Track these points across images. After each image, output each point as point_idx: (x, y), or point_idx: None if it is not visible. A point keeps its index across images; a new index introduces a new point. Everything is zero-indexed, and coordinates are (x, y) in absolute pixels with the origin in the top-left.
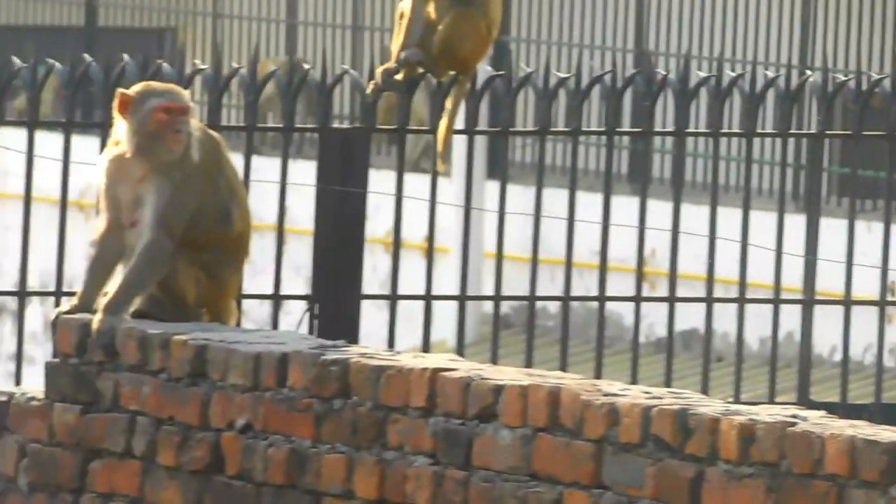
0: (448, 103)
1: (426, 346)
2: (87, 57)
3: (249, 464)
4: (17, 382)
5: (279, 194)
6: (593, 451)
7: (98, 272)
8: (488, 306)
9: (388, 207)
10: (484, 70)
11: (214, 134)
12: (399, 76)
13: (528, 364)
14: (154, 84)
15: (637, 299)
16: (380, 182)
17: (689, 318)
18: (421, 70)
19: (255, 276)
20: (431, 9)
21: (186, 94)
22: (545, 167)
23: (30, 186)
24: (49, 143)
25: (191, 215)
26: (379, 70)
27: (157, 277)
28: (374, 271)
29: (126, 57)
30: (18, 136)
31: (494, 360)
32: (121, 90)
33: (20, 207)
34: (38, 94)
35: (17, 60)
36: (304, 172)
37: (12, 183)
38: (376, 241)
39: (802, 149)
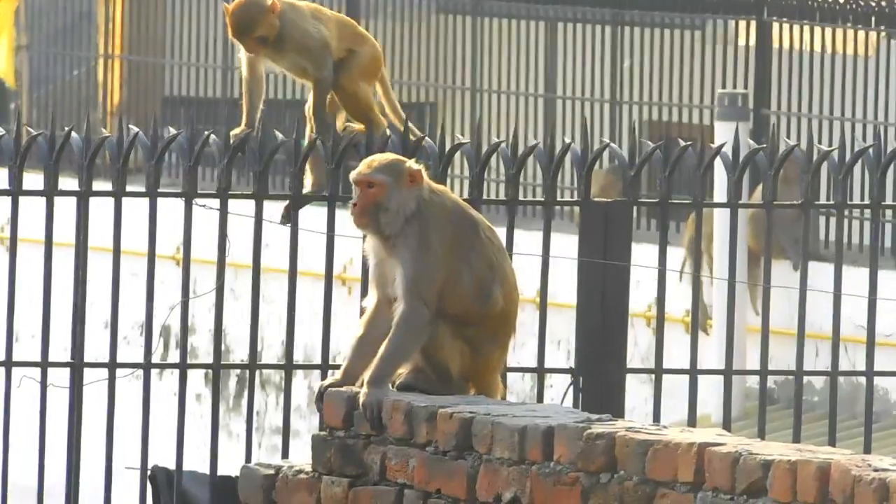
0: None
1: (691, 421)
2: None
3: None
4: (284, 456)
5: (541, 268)
6: None
7: (364, 347)
8: (752, 381)
9: (649, 282)
10: (747, 143)
11: (472, 212)
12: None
13: (796, 439)
14: (368, 158)
15: None
16: (640, 255)
17: None
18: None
19: (517, 349)
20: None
21: (390, 165)
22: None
23: (295, 260)
24: (312, 216)
25: (442, 285)
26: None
27: (417, 346)
28: (635, 345)
29: (388, 131)
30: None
31: (761, 435)
32: None
33: (282, 281)
34: (302, 169)
35: (279, 134)
36: (565, 246)
37: (274, 257)
38: (637, 316)
39: None
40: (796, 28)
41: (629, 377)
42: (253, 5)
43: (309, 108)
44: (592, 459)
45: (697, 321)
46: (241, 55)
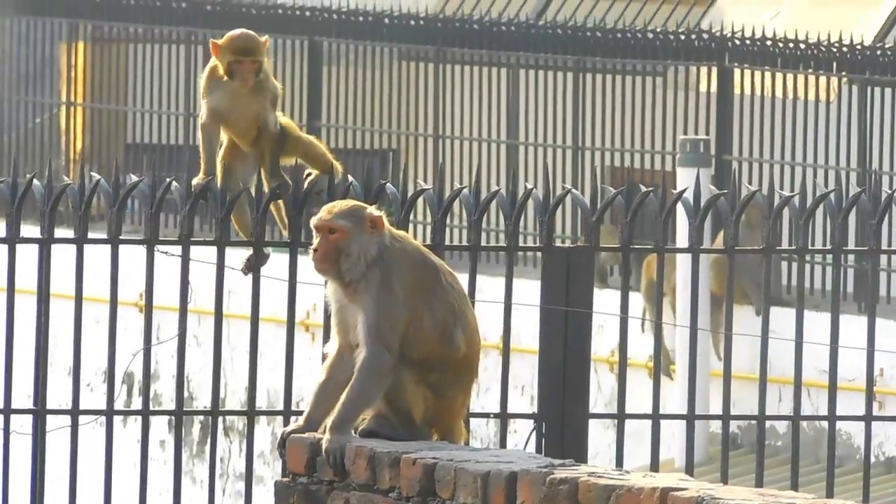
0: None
1: (654, 465)
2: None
3: None
4: (248, 502)
5: (504, 314)
6: None
7: (326, 393)
8: (715, 426)
9: (612, 327)
10: (708, 189)
11: (433, 258)
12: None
13: (759, 483)
14: (329, 204)
15: (867, 418)
16: (602, 300)
17: None
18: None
19: (480, 394)
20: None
21: (351, 211)
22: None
23: (257, 307)
24: (275, 263)
25: (404, 330)
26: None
27: (379, 391)
28: (598, 390)
29: (350, 178)
30: (243, 256)
31: (724, 480)
32: None
33: (245, 327)
34: (265, 216)
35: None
36: (528, 291)
37: (236, 303)
38: (600, 361)
39: None
40: (757, 74)
41: (592, 422)
42: (251, 34)
43: (266, 163)
44: None
45: (660, 366)
46: (203, 102)
